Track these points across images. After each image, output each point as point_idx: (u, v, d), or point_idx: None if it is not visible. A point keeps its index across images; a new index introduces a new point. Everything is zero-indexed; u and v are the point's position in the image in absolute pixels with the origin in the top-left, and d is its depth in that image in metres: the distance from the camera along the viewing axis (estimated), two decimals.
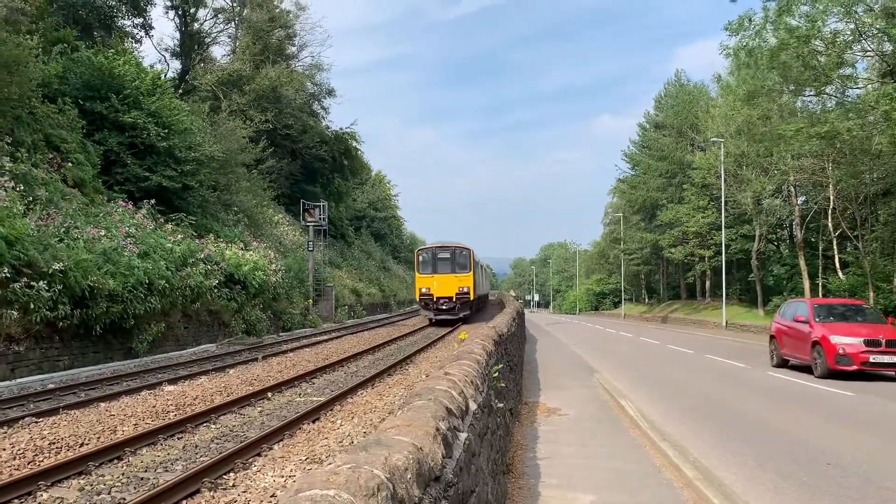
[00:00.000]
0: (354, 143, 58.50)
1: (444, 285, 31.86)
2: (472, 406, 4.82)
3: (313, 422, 10.51)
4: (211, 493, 6.99)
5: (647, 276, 79.33)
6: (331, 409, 11.53)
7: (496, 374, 7.60)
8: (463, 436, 3.89)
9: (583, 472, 8.63)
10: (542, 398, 14.91)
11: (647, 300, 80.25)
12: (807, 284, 39.34)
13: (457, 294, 31.84)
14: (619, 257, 76.27)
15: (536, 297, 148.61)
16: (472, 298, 32.36)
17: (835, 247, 38.33)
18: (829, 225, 36.97)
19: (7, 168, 17.78)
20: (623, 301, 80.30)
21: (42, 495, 6.91)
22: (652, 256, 70.16)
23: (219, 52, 56.59)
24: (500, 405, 7.69)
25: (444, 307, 31.97)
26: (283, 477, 7.44)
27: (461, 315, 32.11)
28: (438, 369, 6.58)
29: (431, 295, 31.98)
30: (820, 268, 40.33)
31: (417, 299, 33.85)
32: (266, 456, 8.48)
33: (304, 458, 8.21)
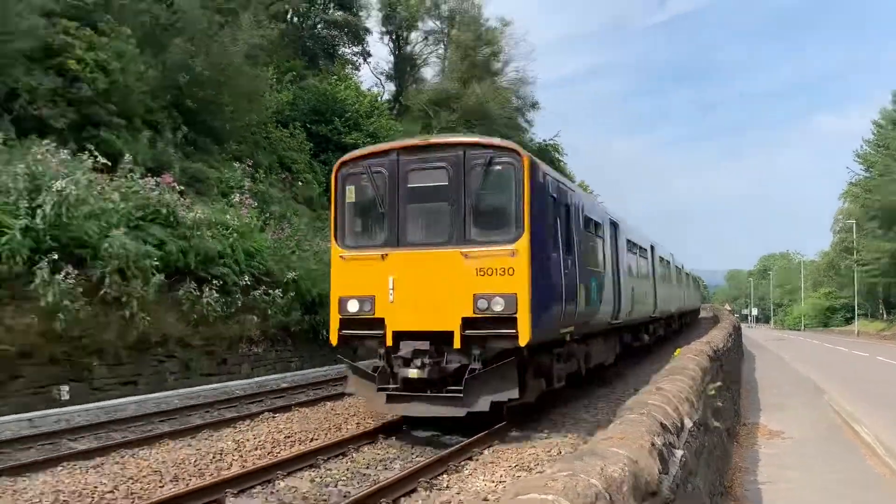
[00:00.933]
0: (557, 155, 58.52)
1: (423, 288, 9.41)
2: (688, 423, 4.68)
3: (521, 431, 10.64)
4: (427, 493, 7.35)
5: (886, 289, 71.35)
6: (537, 421, 11.61)
7: (713, 392, 7.27)
8: (679, 453, 3.80)
9: (811, 500, 7.98)
10: (762, 419, 13.98)
11: (884, 316, 72.33)
12: None
13: (465, 321, 9.12)
14: (851, 269, 69.43)
15: (755, 312, 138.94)
16: (531, 336, 8.95)
17: None
18: None
19: (247, 187, 19.92)
20: (856, 317, 72.85)
21: (280, 483, 7.70)
22: (891, 268, 63.06)
23: (429, 72, 59.30)
24: (717, 424, 7.36)
25: (416, 368, 9.11)
26: (493, 482, 7.63)
27: (482, 401, 9.03)
28: (648, 384, 6.43)
29: (379, 322, 9.76)
30: None
31: (330, 331, 10.89)
32: (477, 461, 8.73)
33: (513, 464, 8.35)
